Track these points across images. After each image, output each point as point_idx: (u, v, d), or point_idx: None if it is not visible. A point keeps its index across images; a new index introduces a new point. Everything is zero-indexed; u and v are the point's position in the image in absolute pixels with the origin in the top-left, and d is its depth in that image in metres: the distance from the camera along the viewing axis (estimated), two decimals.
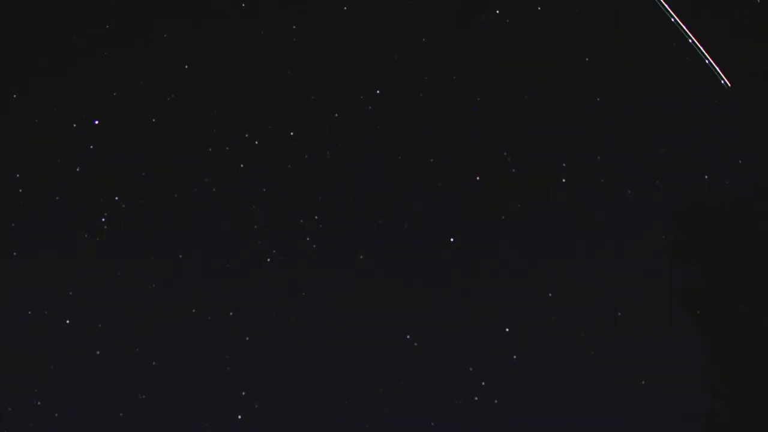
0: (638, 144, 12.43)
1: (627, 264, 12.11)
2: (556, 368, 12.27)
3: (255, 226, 12.65)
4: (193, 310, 12.44)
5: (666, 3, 11.42)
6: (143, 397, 12.28)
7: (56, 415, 12.20)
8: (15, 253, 12.48)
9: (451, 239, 12.57)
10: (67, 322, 12.39)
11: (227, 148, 12.73)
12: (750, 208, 7.34)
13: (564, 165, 12.68)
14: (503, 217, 12.65)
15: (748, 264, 7.24)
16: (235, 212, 12.71)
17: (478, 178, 12.75)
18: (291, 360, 12.37)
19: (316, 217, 12.71)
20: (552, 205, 12.68)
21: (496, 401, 12.19)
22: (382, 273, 12.64)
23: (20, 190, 12.58)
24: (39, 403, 12.21)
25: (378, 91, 12.82)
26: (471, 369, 12.26)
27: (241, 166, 12.74)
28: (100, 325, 12.41)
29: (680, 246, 7.30)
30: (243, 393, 12.28)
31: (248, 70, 12.84)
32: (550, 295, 12.41)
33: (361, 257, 12.58)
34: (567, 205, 12.60)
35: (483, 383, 12.22)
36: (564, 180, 12.64)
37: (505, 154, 12.79)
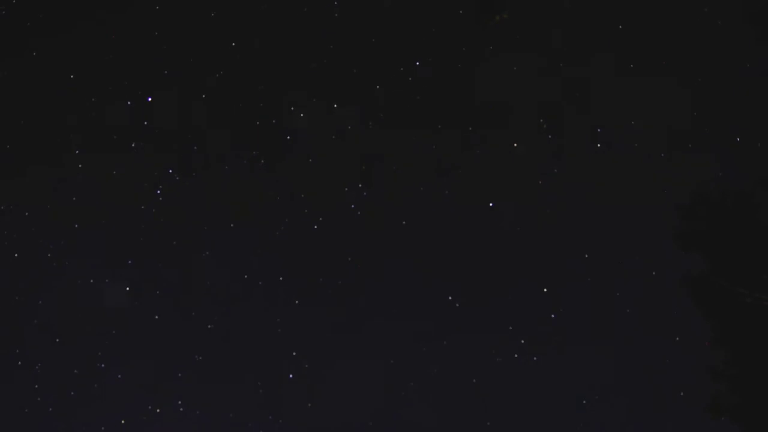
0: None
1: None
2: (593, 327, 12.67)
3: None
4: (246, 276, 12.98)
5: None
6: (200, 358, 12.87)
7: (119, 376, 12.82)
8: (76, 225, 13.06)
9: (491, 204, 12.95)
10: (127, 289, 12.99)
11: (274, 121, 13.17)
12: (750, 200, 7.68)
13: (599, 130, 13.01)
14: (540, 182, 13.01)
15: (749, 251, 7.58)
16: (282, 182, 13.19)
17: (515, 144, 13.09)
18: (339, 322, 12.89)
19: (359, 185, 13.12)
20: (590, 170, 13.00)
21: (535, 358, 12.65)
22: (425, 239, 13.05)
23: (80, 165, 13.14)
24: (102, 365, 12.84)
25: (417, 63, 13.18)
26: (511, 328, 12.72)
27: (288, 138, 13.16)
28: (157, 292, 13.01)
29: (685, 235, 7.67)
30: (294, 353, 12.85)
31: (292, 46, 13.24)
32: (586, 256, 12.80)
33: (404, 223, 13.02)
34: (602, 172, 12.94)
35: (522, 341, 12.68)
36: (599, 145, 12.98)
37: (541, 121, 13.13)
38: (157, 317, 12.91)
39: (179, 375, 12.82)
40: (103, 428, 12.65)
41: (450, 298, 12.80)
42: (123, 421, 12.66)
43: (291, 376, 12.77)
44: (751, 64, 11.83)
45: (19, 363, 12.77)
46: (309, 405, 12.71)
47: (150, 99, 13.09)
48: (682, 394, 12.06)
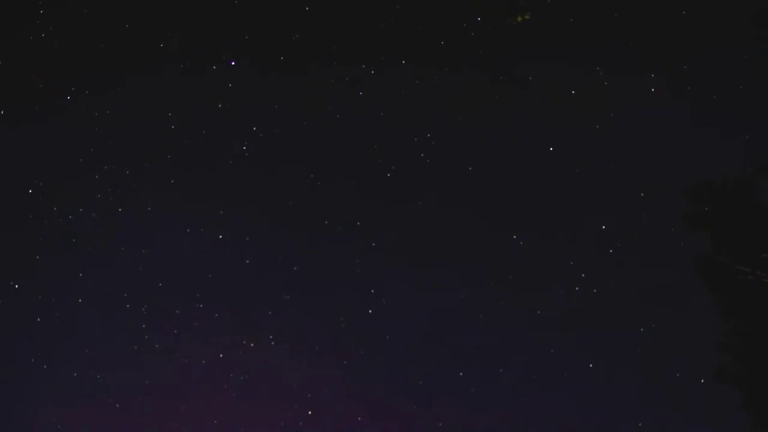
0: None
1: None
2: (649, 261, 13.50)
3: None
4: (326, 222, 14.12)
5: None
6: (287, 297, 14.08)
7: (216, 315, 14.15)
8: (173, 181, 14.32)
9: (551, 148, 13.77)
10: (220, 237, 14.26)
11: (347, 78, 14.13)
12: (752, 185, 8.26)
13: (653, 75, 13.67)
14: (597, 126, 13.78)
15: (750, 232, 8.16)
16: (356, 134, 14.22)
17: (573, 92, 13.84)
18: (411, 262, 13.96)
19: (428, 135, 14.05)
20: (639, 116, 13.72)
21: (595, 290, 13.56)
22: (489, 182, 14.01)
23: (172, 127, 14.35)
24: (201, 306, 14.15)
25: (479, 19, 13.99)
26: (572, 263, 13.64)
27: (360, 94, 14.13)
28: (247, 239, 14.20)
29: (693, 217, 8.28)
30: (372, 291, 14.01)
31: (363, 6, 14.19)
32: (642, 194, 13.59)
33: (470, 168, 13.95)
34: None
35: (583, 275, 13.60)
36: (653, 89, 13.65)
37: (597, 68, 13.85)
38: (248, 261, 14.19)
39: (269, 312, 14.13)
40: (203, 361, 14.07)
41: (515, 236, 13.78)
42: (221, 355, 14.04)
43: (370, 311, 13.98)
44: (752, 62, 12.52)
45: (127, 306, 14.19)
46: (387, 337, 13.87)
47: (233, 63, 14.23)
48: None
